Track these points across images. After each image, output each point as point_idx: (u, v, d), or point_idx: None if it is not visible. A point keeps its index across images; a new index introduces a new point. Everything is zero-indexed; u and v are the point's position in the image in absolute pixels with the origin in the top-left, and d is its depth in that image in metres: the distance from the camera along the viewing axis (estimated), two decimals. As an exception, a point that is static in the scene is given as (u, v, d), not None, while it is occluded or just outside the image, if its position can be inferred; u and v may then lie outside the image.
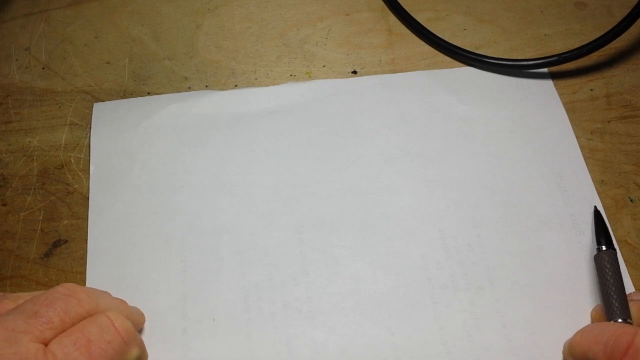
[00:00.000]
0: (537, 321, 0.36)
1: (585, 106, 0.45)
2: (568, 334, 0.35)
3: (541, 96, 0.45)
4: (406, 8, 0.50)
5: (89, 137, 0.44)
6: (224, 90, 0.46)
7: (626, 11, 0.45)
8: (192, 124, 0.44)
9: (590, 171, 0.42)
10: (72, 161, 0.43)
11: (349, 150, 0.43)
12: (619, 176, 0.42)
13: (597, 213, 0.39)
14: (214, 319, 0.36)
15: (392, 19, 0.50)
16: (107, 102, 0.45)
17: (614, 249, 0.36)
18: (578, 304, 0.37)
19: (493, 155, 0.43)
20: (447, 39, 0.48)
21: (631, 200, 0.41)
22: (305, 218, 0.40)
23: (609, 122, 0.44)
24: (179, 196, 0.41)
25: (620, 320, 0.33)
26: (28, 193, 0.41)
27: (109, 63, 0.47)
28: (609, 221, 0.40)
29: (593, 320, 0.36)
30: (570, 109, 0.45)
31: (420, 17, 0.49)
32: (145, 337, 0.36)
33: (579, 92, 0.46)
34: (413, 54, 0.48)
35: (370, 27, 0.49)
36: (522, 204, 0.41)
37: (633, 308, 0.33)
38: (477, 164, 0.42)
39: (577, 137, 0.44)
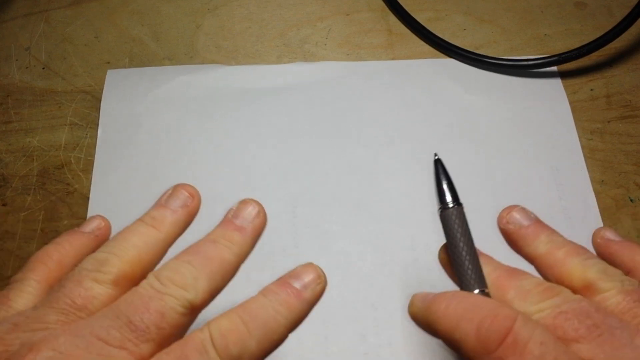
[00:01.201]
0: None
1: (585, 106, 0.45)
2: None
3: (547, 93, 0.46)
4: (406, 8, 0.50)
5: (95, 123, 0.44)
6: (232, 65, 0.47)
7: (626, 11, 0.45)
8: (200, 96, 0.45)
9: (590, 171, 0.42)
10: (72, 161, 0.43)
11: (350, 131, 0.44)
12: (619, 176, 0.42)
13: (438, 162, 0.31)
14: None
15: (392, 19, 0.50)
16: (120, 70, 0.47)
17: (461, 204, 0.30)
18: None
19: (492, 145, 0.43)
20: (447, 39, 0.48)
21: (631, 200, 0.41)
22: (301, 193, 0.41)
23: (609, 122, 0.44)
24: (180, 164, 0.42)
25: (477, 291, 0.28)
26: (28, 193, 0.41)
27: (109, 63, 0.47)
28: (608, 221, 0.40)
29: (441, 262, 0.31)
30: (571, 108, 0.45)
31: (420, 17, 0.49)
32: None
33: (579, 92, 0.46)
34: (413, 54, 0.48)
35: (370, 27, 0.49)
36: (517, 194, 0.41)
37: (489, 277, 0.29)
38: (476, 152, 0.43)
39: (577, 137, 0.44)
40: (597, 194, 0.41)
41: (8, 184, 0.42)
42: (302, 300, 0.28)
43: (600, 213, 0.40)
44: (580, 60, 0.46)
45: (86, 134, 0.44)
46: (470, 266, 0.29)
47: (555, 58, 0.45)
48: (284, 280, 0.29)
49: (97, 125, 0.44)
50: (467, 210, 0.40)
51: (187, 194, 0.31)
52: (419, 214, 0.41)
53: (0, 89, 0.46)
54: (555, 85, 0.46)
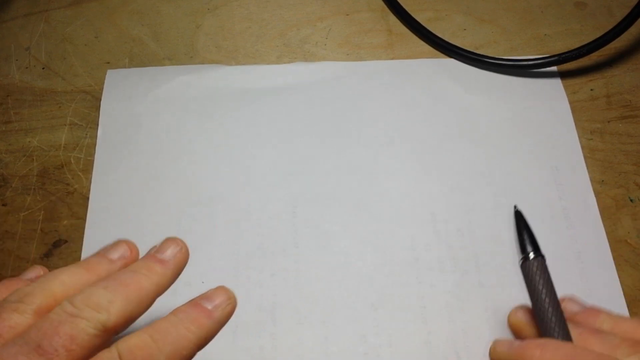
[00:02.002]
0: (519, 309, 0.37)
1: (585, 106, 0.45)
2: None
3: (547, 93, 0.46)
4: (406, 8, 0.50)
5: (95, 124, 0.44)
6: (233, 65, 0.47)
7: (626, 11, 0.45)
8: (200, 96, 0.45)
9: (590, 171, 0.42)
10: (72, 161, 0.43)
11: (350, 131, 0.44)
12: (619, 176, 0.42)
13: (518, 215, 0.32)
14: (202, 282, 0.38)
15: (392, 19, 0.50)
16: (120, 70, 0.47)
17: (543, 256, 0.30)
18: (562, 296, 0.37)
19: (492, 144, 0.43)
20: (447, 39, 0.48)
21: (631, 200, 0.41)
22: (301, 193, 0.41)
23: (609, 122, 0.44)
24: (180, 164, 0.42)
25: None
26: (28, 193, 0.41)
27: (109, 63, 0.47)
28: (608, 221, 0.40)
29: (513, 326, 0.31)
30: (571, 108, 0.45)
31: (420, 17, 0.49)
32: None
33: (579, 92, 0.46)
34: (413, 54, 0.48)
35: (370, 27, 0.49)
36: (516, 193, 0.41)
37: (573, 331, 0.29)
38: (476, 152, 0.43)
39: (577, 137, 0.44)
40: (597, 194, 0.41)
41: (8, 184, 0.42)
42: (213, 320, 0.29)
43: (600, 213, 0.40)
44: (580, 60, 0.46)
45: (86, 134, 0.44)
46: (554, 319, 0.28)
47: (555, 58, 0.45)
48: (195, 302, 0.30)
49: (97, 125, 0.44)
50: (468, 209, 0.41)
51: (127, 247, 0.32)
52: (419, 214, 0.41)
53: (0, 89, 0.46)
54: (555, 85, 0.46)
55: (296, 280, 0.38)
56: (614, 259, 0.39)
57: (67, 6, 0.50)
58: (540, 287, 0.29)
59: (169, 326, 0.28)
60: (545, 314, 0.28)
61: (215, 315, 0.29)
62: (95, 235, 0.40)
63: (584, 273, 0.38)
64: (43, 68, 0.47)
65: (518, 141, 0.43)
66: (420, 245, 0.39)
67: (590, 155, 0.43)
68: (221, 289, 0.31)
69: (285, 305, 0.37)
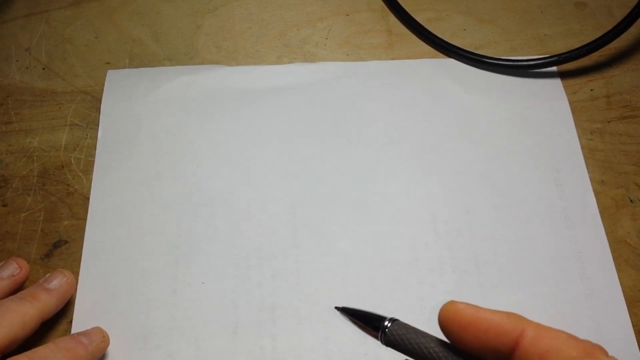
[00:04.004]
0: (519, 309, 0.37)
1: (585, 106, 0.45)
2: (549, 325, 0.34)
3: (547, 93, 0.46)
4: (406, 8, 0.50)
5: (95, 123, 0.44)
6: (233, 65, 0.47)
7: (626, 11, 0.45)
8: (200, 97, 0.45)
9: (590, 171, 0.42)
10: (73, 162, 0.43)
11: (350, 131, 0.44)
12: (619, 176, 0.42)
13: (343, 310, 0.29)
14: (203, 283, 0.38)
15: (392, 19, 0.50)
16: (120, 70, 0.47)
17: (395, 318, 0.27)
18: (562, 297, 0.38)
19: (492, 145, 0.43)
20: (447, 39, 0.48)
21: (631, 201, 0.41)
22: (301, 193, 0.41)
23: (609, 122, 0.44)
24: (180, 164, 0.43)
25: None
26: (28, 194, 0.41)
27: (109, 63, 0.47)
28: (608, 221, 0.40)
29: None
30: (571, 108, 0.45)
31: (420, 17, 0.49)
32: (135, 295, 0.38)
33: (579, 92, 0.46)
34: (413, 54, 0.48)
35: (370, 27, 0.49)
36: (516, 194, 0.41)
37: None
38: (476, 152, 0.43)
39: (577, 137, 0.44)
40: (597, 194, 0.41)
41: (8, 185, 0.42)
42: (87, 351, 0.34)
43: (600, 213, 0.40)
44: (580, 60, 0.46)
45: (86, 135, 0.44)
46: (445, 352, 0.25)
47: (555, 58, 0.45)
48: (74, 336, 0.34)
49: (97, 125, 0.44)
50: (468, 209, 0.41)
51: (16, 265, 0.36)
52: (419, 214, 0.41)
53: (0, 89, 0.46)
54: (555, 85, 0.46)
55: (296, 280, 0.38)
56: (614, 259, 0.39)
57: (67, 6, 0.51)
58: (421, 341, 0.26)
59: (47, 352, 0.32)
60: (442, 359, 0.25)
61: (90, 348, 0.34)
62: (96, 236, 0.40)
63: (584, 273, 0.38)
64: (43, 68, 0.47)
65: (518, 141, 0.43)
66: (420, 246, 0.39)
67: (590, 155, 0.43)
68: (98, 329, 0.36)
69: (285, 305, 0.37)
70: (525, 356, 0.22)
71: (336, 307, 0.28)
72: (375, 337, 0.27)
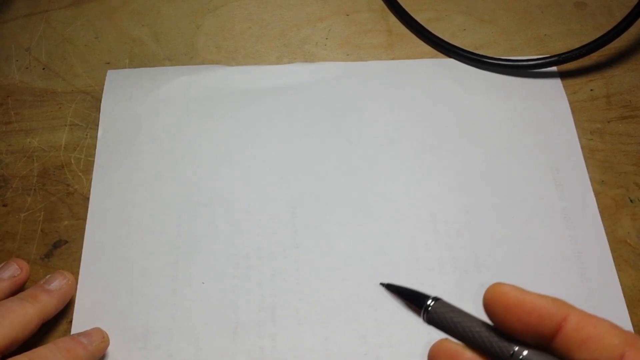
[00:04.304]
0: None
1: (585, 106, 0.45)
2: None
3: (547, 93, 0.46)
4: (406, 8, 0.50)
5: (95, 123, 0.44)
6: (233, 65, 0.47)
7: (626, 11, 0.45)
8: (200, 97, 0.45)
9: (590, 171, 0.42)
10: (73, 162, 0.43)
11: (350, 131, 0.44)
12: (619, 176, 0.42)
13: (389, 287, 0.29)
14: (203, 283, 0.38)
15: (392, 19, 0.50)
16: (120, 70, 0.47)
17: (438, 297, 0.27)
18: (562, 297, 0.37)
19: (492, 145, 0.43)
20: (447, 39, 0.48)
21: (631, 201, 0.41)
22: (301, 193, 0.41)
23: (609, 122, 0.44)
24: (180, 164, 0.43)
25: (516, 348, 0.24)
26: (28, 194, 0.41)
27: (109, 63, 0.47)
28: (608, 221, 0.40)
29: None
30: (571, 108, 0.45)
31: (420, 17, 0.49)
32: (135, 295, 0.38)
33: (579, 92, 0.46)
34: (413, 54, 0.48)
35: (370, 27, 0.49)
36: (516, 194, 0.41)
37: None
38: (476, 152, 0.43)
39: (577, 137, 0.44)
40: (597, 194, 0.41)
41: (8, 185, 0.42)
42: (87, 352, 0.34)
43: (600, 213, 0.40)
44: (580, 60, 0.46)
45: (86, 135, 0.44)
46: (490, 334, 0.25)
47: (555, 58, 0.45)
48: (74, 336, 0.34)
49: (97, 125, 0.44)
50: (468, 209, 0.41)
51: (17, 266, 0.36)
52: (419, 214, 0.41)
53: (0, 89, 0.46)
54: (555, 85, 0.46)
55: (296, 280, 0.38)
56: (614, 259, 0.39)
57: (67, 6, 0.51)
58: (463, 320, 0.25)
59: (47, 352, 0.32)
60: (486, 342, 0.25)
61: (90, 349, 0.34)
62: (96, 236, 0.40)
63: (584, 273, 0.38)
64: (43, 68, 0.47)
65: (518, 141, 0.43)
66: (420, 246, 0.39)
67: (590, 155, 0.43)
68: (97, 329, 0.36)
69: (285, 305, 0.37)
70: (567, 341, 0.23)
71: (381, 284, 0.29)
72: (419, 314, 0.27)
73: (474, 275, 0.38)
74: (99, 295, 0.38)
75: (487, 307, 0.25)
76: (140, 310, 0.37)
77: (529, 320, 0.23)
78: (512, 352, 0.23)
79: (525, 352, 0.23)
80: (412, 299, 0.28)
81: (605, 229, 0.40)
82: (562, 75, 0.47)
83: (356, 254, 0.39)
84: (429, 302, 0.27)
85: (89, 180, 0.42)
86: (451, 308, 0.26)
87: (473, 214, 0.41)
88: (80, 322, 0.37)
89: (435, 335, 0.26)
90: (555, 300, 0.24)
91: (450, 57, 0.48)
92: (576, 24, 0.49)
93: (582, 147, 0.43)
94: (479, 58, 0.47)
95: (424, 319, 0.27)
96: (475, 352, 0.25)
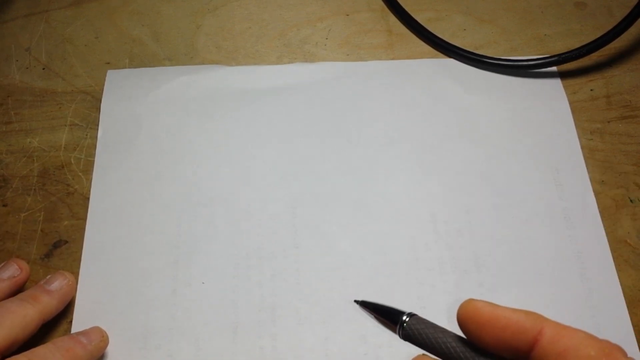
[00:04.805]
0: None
1: (585, 106, 0.45)
2: None
3: (547, 93, 0.46)
4: (406, 8, 0.50)
5: (95, 122, 0.44)
6: (233, 65, 0.47)
7: (626, 11, 0.45)
8: (200, 96, 0.45)
9: (590, 171, 0.42)
10: (73, 162, 0.43)
11: (350, 131, 0.44)
12: (619, 176, 0.42)
13: (362, 304, 0.29)
14: (203, 283, 0.38)
15: (392, 19, 0.50)
16: (120, 70, 0.47)
17: (413, 313, 0.27)
18: (562, 297, 0.38)
19: (492, 145, 0.43)
20: (447, 39, 0.48)
21: (631, 201, 0.41)
22: (301, 193, 0.41)
23: (609, 122, 0.44)
24: (180, 164, 0.42)
25: None
26: (28, 194, 0.41)
27: (109, 63, 0.47)
28: (608, 221, 0.40)
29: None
30: (571, 108, 0.45)
31: (420, 17, 0.49)
32: (135, 295, 0.38)
33: (579, 92, 0.46)
34: (413, 54, 0.48)
35: (370, 27, 0.49)
36: (516, 194, 0.41)
37: None
38: (476, 152, 0.43)
39: (577, 137, 0.44)
40: (597, 194, 0.41)
41: (8, 185, 0.42)
42: (86, 351, 0.34)
43: (600, 213, 0.40)
44: (580, 60, 0.46)
45: (86, 135, 0.44)
46: (460, 348, 0.25)
47: (555, 58, 0.45)
48: (73, 336, 0.34)
49: (97, 125, 0.44)
50: (468, 209, 0.41)
51: (17, 267, 0.36)
52: (419, 214, 0.41)
53: (0, 89, 0.46)
54: (555, 85, 0.46)
55: (296, 280, 0.38)
56: (614, 259, 0.39)
57: (67, 6, 0.51)
58: (439, 336, 0.26)
59: (47, 352, 0.32)
60: (462, 357, 0.25)
61: (89, 348, 0.34)
62: (96, 236, 0.40)
63: (584, 273, 0.38)
64: (43, 68, 0.47)
65: (518, 141, 0.43)
66: (420, 246, 0.39)
67: (590, 155, 0.43)
68: (97, 328, 0.36)
69: (285, 305, 0.37)
70: (543, 355, 0.22)
71: (355, 301, 0.29)
72: (394, 331, 0.27)
73: (474, 275, 0.38)
74: (99, 295, 0.38)
75: (461, 324, 0.25)
76: (140, 310, 0.37)
77: (503, 336, 0.23)
78: None
79: None
80: (387, 316, 0.27)
81: (605, 229, 0.40)
82: (562, 75, 0.47)
83: (356, 254, 0.39)
84: (404, 317, 0.26)
85: (89, 180, 0.42)
86: (427, 324, 0.26)
87: (473, 214, 0.41)
88: (80, 322, 0.37)
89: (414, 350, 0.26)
90: (529, 313, 0.24)
91: (450, 57, 0.48)
92: (576, 24, 0.49)
93: (582, 147, 0.43)
94: (479, 58, 0.47)
95: (399, 335, 0.27)
96: None
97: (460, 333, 0.25)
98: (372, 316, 0.28)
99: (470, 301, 0.25)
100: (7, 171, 0.42)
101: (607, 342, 0.23)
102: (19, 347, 0.33)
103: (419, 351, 0.26)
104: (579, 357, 0.22)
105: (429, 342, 0.26)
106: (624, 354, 0.22)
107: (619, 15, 0.47)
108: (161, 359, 0.36)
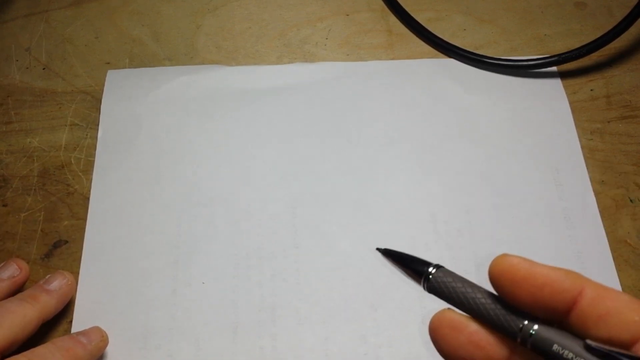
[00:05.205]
0: None
1: (585, 106, 0.45)
2: None
3: (547, 93, 0.46)
4: (406, 8, 0.50)
5: (95, 125, 0.44)
6: (233, 65, 0.47)
7: (626, 11, 0.45)
8: (200, 97, 0.45)
9: (590, 171, 0.42)
10: (73, 162, 0.43)
11: (350, 131, 0.44)
12: (619, 176, 0.42)
13: (385, 252, 0.27)
14: (203, 283, 0.38)
15: (392, 19, 0.50)
16: (120, 70, 0.47)
17: (440, 265, 0.25)
18: None
19: (492, 145, 0.43)
20: (447, 39, 0.48)
21: (631, 201, 0.41)
22: (301, 193, 0.41)
23: (609, 122, 0.44)
24: (180, 164, 0.43)
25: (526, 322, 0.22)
26: (28, 194, 0.41)
27: (109, 63, 0.47)
28: (608, 221, 0.40)
29: (442, 338, 0.23)
30: (571, 108, 0.45)
31: (420, 17, 0.49)
32: (135, 295, 0.38)
33: (579, 92, 0.46)
34: (413, 54, 0.48)
35: (370, 27, 0.49)
36: (516, 194, 0.41)
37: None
38: (476, 152, 0.43)
39: (577, 137, 0.44)
40: (597, 194, 0.41)
41: (8, 185, 0.42)
42: (86, 351, 0.34)
43: (600, 213, 0.40)
44: (580, 60, 0.46)
45: (86, 135, 0.44)
46: (498, 305, 0.23)
47: (555, 58, 0.45)
48: (73, 336, 0.34)
49: (97, 125, 0.44)
50: (468, 209, 0.41)
51: (16, 267, 0.36)
52: (419, 214, 0.41)
53: (0, 89, 0.46)
54: (555, 85, 0.46)
55: (296, 280, 0.38)
56: (614, 259, 0.39)
57: (67, 6, 0.51)
58: (467, 291, 0.24)
59: (46, 352, 0.32)
60: (493, 315, 0.23)
61: (89, 348, 0.34)
62: (96, 236, 0.40)
63: (584, 273, 0.38)
64: (43, 68, 0.47)
65: (518, 141, 0.43)
66: (420, 246, 0.39)
67: (590, 155, 0.43)
68: (96, 328, 0.36)
69: (285, 305, 0.37)
70: (582, 317, 0.21)
71: (377, 249, 0.27)
72: (419, 282, 0.25)
73: (474, 275, 0.38)
74: (99, 295, 0.38)
75: (494, 281, 0.23)
76: (140, 310, 0.37)
77: (540, 295, 0.21)
78: (521, 326, 0.22)
79: (535, 327, 0.21)
80: (412, 266, 0.25)
81: (605, 229, 0.40)
82: (562, 75, 0.47)
83: (356, 254, 0.39)
84: (430, 269, 0.24)
85: (89, 180, 0.42)
86: (455, 277, 0.24)
87: (473, 214, 0.41)
88: (80, 322, 0.37)
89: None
90: (569, 272, 0.22)
91: (450, 57, 0.48)
92: (576, 24, 0.49)
93: (582, 147, 0.43)
94: (479, 58, 0.47)
95: (424, 287, 0.25)
96: (480, 324, 0.23)
97: (490, 289, 0.23)
98: (396, 266, 0.26)
99: (504, 256, 0.23)
100: (7, 171, 0.42)
101: None
102: (18, 347, 0.33)
103: (444, 304, 0.24)
104: (622, 322, 0.20)
105: (456, 296, 0.23)
106: None
107: (619, 15, 0.47)
108: (161, 359, 0.36)
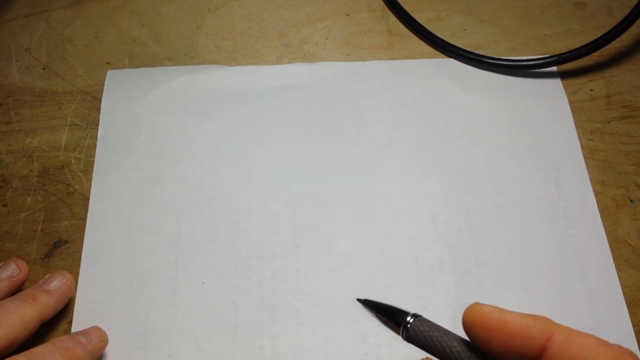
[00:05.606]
0: (519, 309, 0.37)
1: (585, 106, 0.45)
2: None
3: (547, 93, 0.46)
4: (406, 8, 0.50)
5: (95, 123, 0.44)
6: (233, 65, 0.47)
7: (626, 11, 0.45)
8: (200, 97, 0.45)
9: (590, 171, 0.42)
10: (73, 162, 0.43)
11: (350, 131, 0.44)
12: (619, 176, 0.42)
13: (366, 303, 0.28)
14: (203, 283, 0.38)
15: (392, 19, 0.50)
16: (120, 70, 0.47)
17: (418, 314, 0.26)
18: (562, 297, 0.38)
19: (492, 145, 0.43)
20: (447, 39, 0.48)
21: (631, 201, 0.41)
22: (301, 193, 0.41)
23: (609, 122, 0.44)
24: (180, 164, 0.42)
25: None
26: (28, 194, 0.41)
27: (109, 63, 0.47)
28: (608, 221, 0.40)
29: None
30: (571, 108, 0.45)
31: (420, 17, 0.49)
32: (135, 295, 0.38)
33: (579, 92, 0.46)
34: (413, 54, 0.48)
35: (370, 27, 0.49)
36: (516, 194, 0.41)
37: None
38: (475, 152, 0.43)
39: (577, 137, 0.44)
40: (597, 194, 0.41)
41: (8, 185, 0.42)
42: (86, 351, 0.33)
43: (600, 213, 0.40)
44: (580, 60, 0.46)
45: (86, 135, 0.44)
46: (464, 349, 0.24)
47: (555, 58, 0.45)
48: (72, 335, 0.34)
49: (97, 125, 0.44)
50: (468, 209, 0.41)
51: (15, 266, 0.36)
52: (419, 214, 0.41)
53: (0, 89, 0.46)
54: (555, 85, 0.46)
55: (296, 280, 0.38)
56: (614, 259, 0.39)
57: (67, 6, 0.51)
58: (443, 339, 0.25)
59: (46, 352, 0.32)
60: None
61: (88, 348, 0.34)
62: (96, 236, 0.40)
63: (584, 273, 0.38)
64: (43, 68, 0.47)
65: (518, 141, 0.43)
66: (420, 246, 0.39)
67: (590, 155, 0.43)
68: (96, 328, 0.36)
69: (285, 305, 0.37)
70: None
71: (358, 299, 0.28)
72: (397, 332, 0.26)
73: (474, 275, 0.38)
74: (99, 295, 0.38)
75: (467, 329, 0.24)
76: (140, 310, 0.37)
77: (511, 343, 0.23)
78: None
79: None
80: (390, 316, 0.26)
81: (605, 229, 0.40)
82: (562, 75, 0.47)
83: (356, 254, 0.39)
84: (408, 318, 0.26)
85: (89, 180, 0.42)
86: (432, 326, 0.25)
87: (473, 214, 0.41)
88: (80, 322, 0.37)
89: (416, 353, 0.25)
90: (538, 318, 0.23)
91: (450, 57, 0.48)
92: (576, 24, 0.49)
93: (582, 147, 0.43)
94: (479, 58, 0.47)
95: (403, 337, 0.26)
96: None
97: (465, 336, 0.25)
98: (375, 316, 0.27)
99: (476, 305, 0.24)
100: (7, 171, 0.42)
101: (619, 347, 0.22)
102: (17, 346, 0.33)
103: (421, 353, 0.26)
104: None
105: (434, 345, 0.25)
106: (636, 358, 0.22)
107: (619, 15, 0.47)
108: (161, 359, 0.36)
